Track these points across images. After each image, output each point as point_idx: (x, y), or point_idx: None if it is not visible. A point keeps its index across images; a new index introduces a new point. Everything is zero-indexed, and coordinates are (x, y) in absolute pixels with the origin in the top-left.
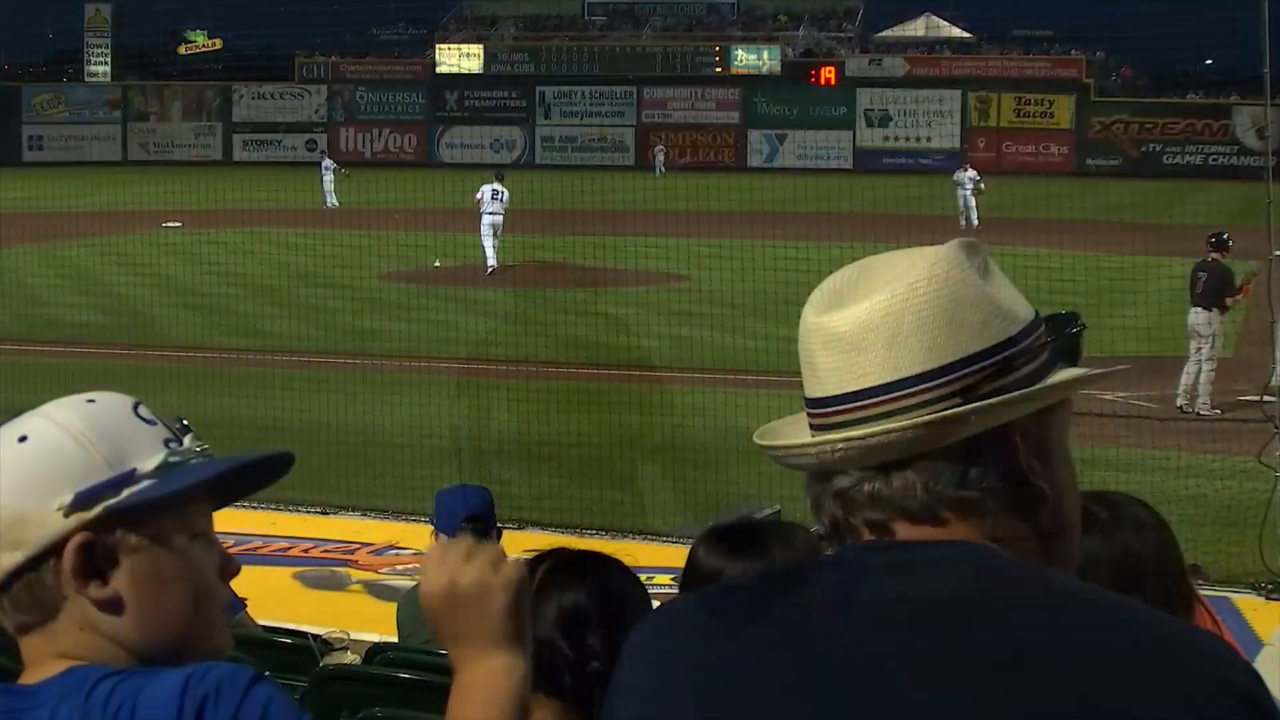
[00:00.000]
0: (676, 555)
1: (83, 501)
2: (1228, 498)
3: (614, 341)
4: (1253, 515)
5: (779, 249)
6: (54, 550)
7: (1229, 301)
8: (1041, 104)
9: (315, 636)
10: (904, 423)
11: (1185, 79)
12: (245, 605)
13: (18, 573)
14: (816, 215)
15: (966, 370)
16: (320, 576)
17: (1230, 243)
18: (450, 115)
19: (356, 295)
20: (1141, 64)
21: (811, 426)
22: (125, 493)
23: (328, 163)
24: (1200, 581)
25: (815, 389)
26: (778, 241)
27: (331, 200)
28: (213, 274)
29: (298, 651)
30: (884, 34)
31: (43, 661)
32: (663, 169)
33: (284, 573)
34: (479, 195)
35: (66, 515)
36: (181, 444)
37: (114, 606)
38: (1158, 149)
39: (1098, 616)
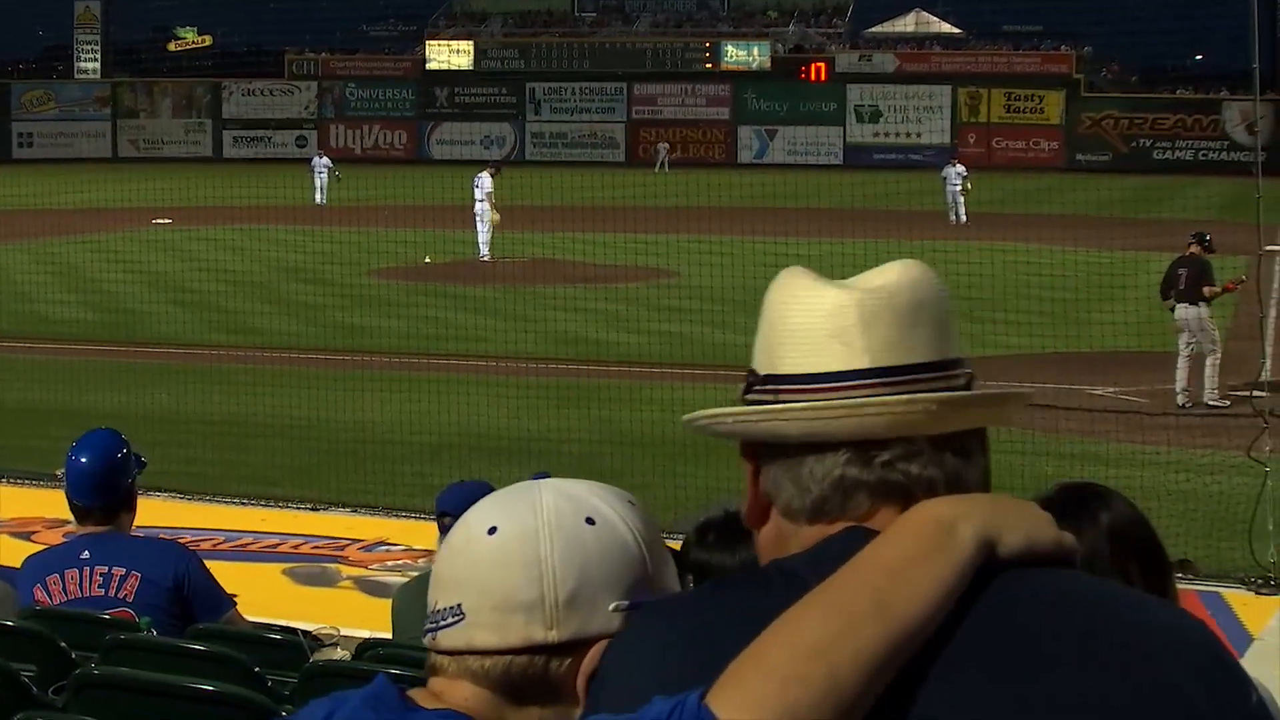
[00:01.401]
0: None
1: (631, 609)
2: (1218, 492)
3: (604, 338)
4: (1242, 510)
5: (769, 245)
6: (580, 644)
7: (1206, 291)
8: (1031, 99)
9: (305, 633)
10: (986, 392)
11: (1175, 74)
12: (235, 602)
13: (535, 650)
14: (807, 211)
15: (966, 369)
16: (310, 573)
17: (1212, 242)
18: (440, 112)
19: (347, 292)
20: (1131, 59)
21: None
22: None
23: (323, 161)
24: (1190, 576)
25: (857, 360)
26: (768, 237)
27: (320, 198)
28: (202, 270)
29: (288, 648)
30: (874, 29)
31: (439, 700)
32: (665, 166)
33: (274, 569)
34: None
35: (617, 620)
36: (679, 580)
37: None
38: (1147, 144)
39: (1092, 601)
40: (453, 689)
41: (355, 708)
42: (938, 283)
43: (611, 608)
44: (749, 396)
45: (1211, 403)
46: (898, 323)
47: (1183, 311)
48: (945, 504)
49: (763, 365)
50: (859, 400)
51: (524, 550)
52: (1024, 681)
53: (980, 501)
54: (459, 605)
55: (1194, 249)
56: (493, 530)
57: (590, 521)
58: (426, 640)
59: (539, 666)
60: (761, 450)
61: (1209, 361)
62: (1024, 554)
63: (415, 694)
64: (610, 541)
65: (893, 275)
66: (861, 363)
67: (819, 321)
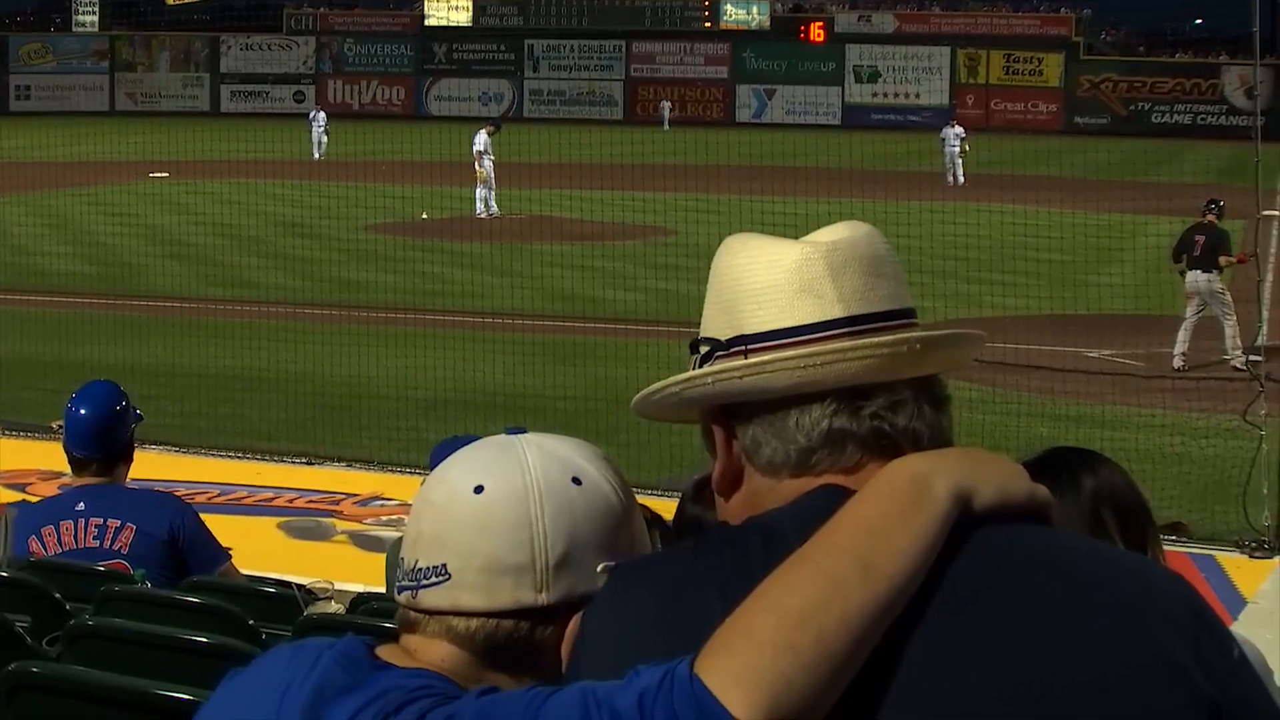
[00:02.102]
0: (662, 508)
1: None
2: (1213, 455)
3: (600, 295)
4: (1237, 473)
5: (765, 204)
6: (568, 607)
7: (1222, 261)
8: (1030, 61)
9: (299, 586)
10: (964, 331)
11: (1174, 38)
12: (230, 555)
13: (522, 613)
14: (804, 170)
15: (914, 319)
16: (305, 527)
17: (1223, 207)
18: (438, 68)
19: (343, 247)
20: (1131, 23)
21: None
22: None
23: (322, 116)
24: (1184, 539)
25: (832, 310)
26: (764, 197)
27: (318, 153)
28: (199, 224)
29: (282, 601)
30: None
31: (412, 658)
32: (668, 123)
33: (269, 523)
34: None
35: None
36: (656, 539)
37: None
38: (1146, 107)
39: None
40: (429, 648)
41: (326, 668)
42: (884, 238)
43: (599, 568)
44: (713, 364)
45: (1238, 365)
46: (864, 272)
47: (1195, 278)
48: (919, 460)
49: (724, 329)
50: (847, 345)
51: (513, 512)
52: (1000, 640)
53: (954, 455)
54: (444, 565)
55: (1210, 217)
56: (479, 489)
57: (576, 481)
58: (403, 598)
59: (524, 631)
60: (738, 411)
61: (1227, 329)
62: (998, 508)
63: (385, 651)
64: (596, 501)
65: (846, 231)
66: (835, 312)
67: (785, 277)
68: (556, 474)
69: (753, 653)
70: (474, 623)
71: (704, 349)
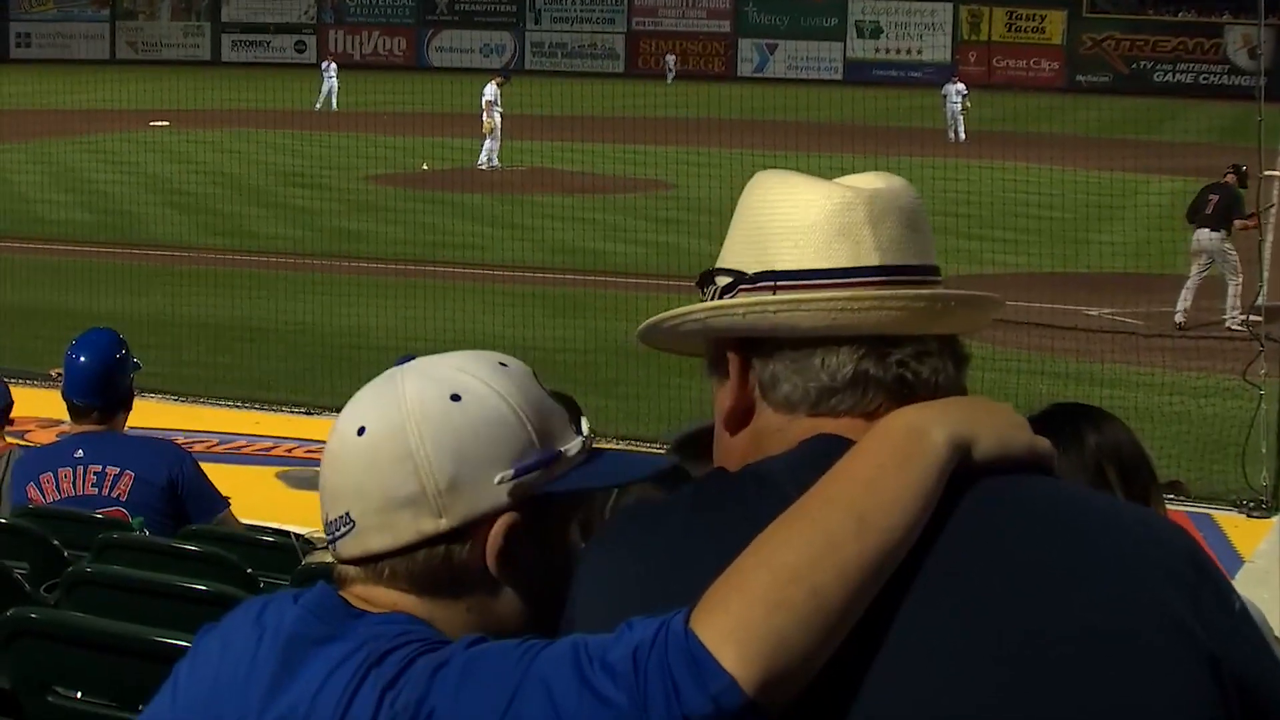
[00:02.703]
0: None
1: (518, 477)
2: (1211, 415)
3: (600, 248)
4: (1235, 433)
5: (766, 158)
6: (475, 525)
7: (1238, 224)
8: (1033, 19)
9: (298, 536)
10: (977, 294)
11: None
12: (229, 503)
13: (430, 542)
14: (805, 125)
15: (939, 276)
16: (303, 476)
17: (1246, 174)
18: (440, 19)
19: (344, 197)
20: None
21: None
22: (556, 475)
23: (332, 68)
24: (1182, 498)
25: (867, 257)
26: (766, 151)
27: (322, 104)
28: (199, 173)
29: (280, 550)
30: None
31: (372, 606)
32: (673, 77)
33: (267, 472)
34: None
35: (507, 491)
36: (581, 427)
37: (510, 595)
38: (1148, 66)
39: (1068, 511)
40: (374, 595)
41: (300, 618)
42: (917, 193)
43: (496, 481)
44: (735, 296)
45: (1234, 327)
46: (901, 224)
47: (1202, 236)
48: (917, 410)
49: (750, 263)
50: (885, 293)
51: (394, 446)
52: (996, 595)
53: (953, 404)
54: (347, 514)
55: (1230, 177)
56: (361, 431)
57: (455, 398)
58: (329, 553)
59: (439, 556)
60: (760, 345)
61: (1230, 288)
62: (997, 459)
63: (354, 598)
64: (481, 414)
65: (884, 181)
66: (872, 259)
67: (824, 219)
68: (433, 396)
69: (747, 610)
70: (392, 562)
71: (724, 280)
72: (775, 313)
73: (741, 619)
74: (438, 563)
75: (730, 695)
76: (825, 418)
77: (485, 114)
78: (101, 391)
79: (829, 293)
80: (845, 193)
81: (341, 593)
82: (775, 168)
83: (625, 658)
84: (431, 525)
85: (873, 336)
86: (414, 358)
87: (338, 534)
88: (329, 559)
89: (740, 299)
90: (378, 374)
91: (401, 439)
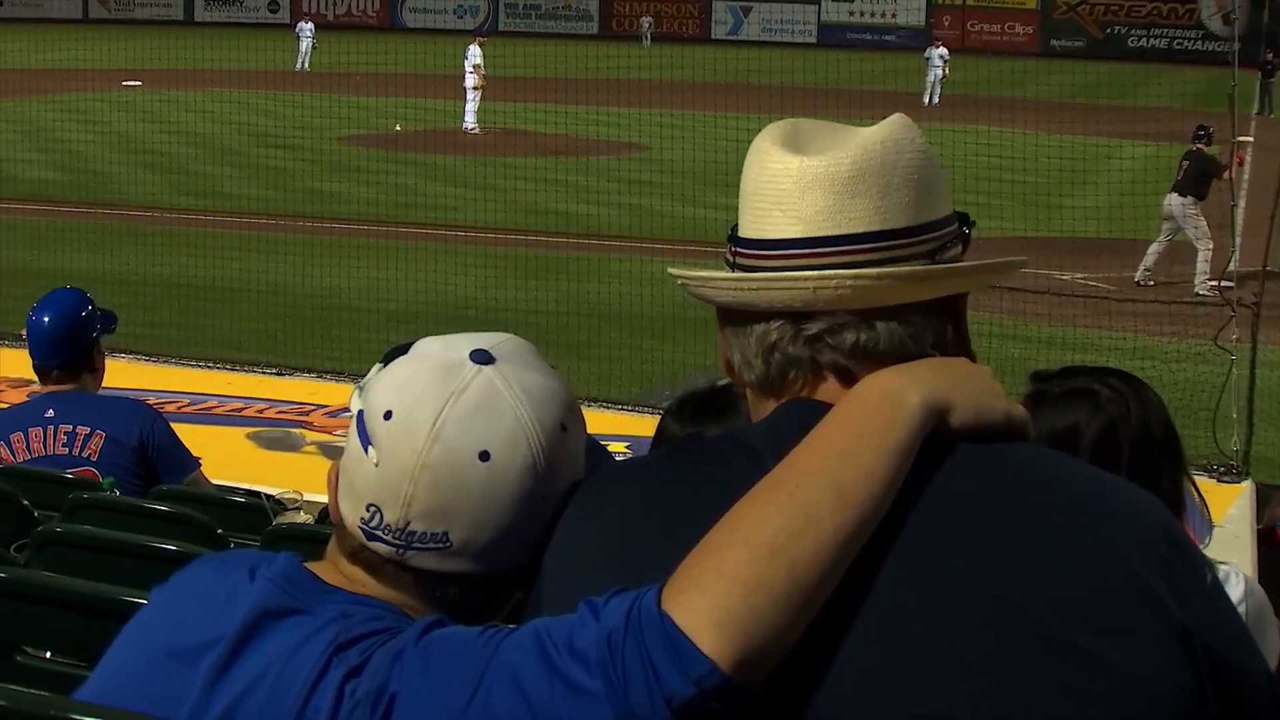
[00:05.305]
0: (632, 423)
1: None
2: (1183, 380)
3: (573, 210)
4: (1207, 398)
5: (740, 121)
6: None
7: (1223, 177)
8: None
9: (269, 496)
10: (904, 269)
11: None
12: (199, 464)
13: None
14: (779, 88)
15: (939, 233)
16: (275, 437)
17: (1212, 134)
18: None
19: (316, 158)
20: None
21: (767, 269)
22: None
23: (308, 28)
24: None
25: (790, 229)
26: (739, 114)
27: (303, 64)
28: (172, 134)
29: (251, 511)
30: None
31: (354, 584)
32: (649, 39)
33: (238, 433)
34: None
35: None
36: None
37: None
38: (1123, 31)
39: (1051, 476)
40: (361, 579)
41: (266, 590)
42: (907, 147)
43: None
44: (727, 255)
45: (1201, 292)
46: (836, 191)
47: (1169, 200)
48: (892, 374)
49: (740, 225)
50: (771, 275)
51: (523, 483)
52: (971, 562)
53: (928, 367)
54: (445, 534)
55: (1198, 145)
56: (485, 456)
57: (564, 429)
58: (379, 547)
59: (498, 586)
60: (723, 313)
61: (1200, 253)
62: (973, 426)
63: (319, 570)
64: (581, 430)
65: (854, 140)
66: (792, 231)
67: (763, 186)
68: (550, 424)
69: (724, 590)
70: (457, 587)
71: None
72: (697, 288)
73: (718, 599)
74: (494, 589)
75: (711, 678)
76: (771, 399)
77: (476, 75)
78: (63, 350)
79: (754, 264)
80: (786, 160)
81: (312, 564)
82: (754, 130)
83: (597, 644)
84: (525, 560)
85: (789, 312)
86: (490, 356)
87: (416, 545)
88: (300, 520)
89: (692, 268)
90: (350, 335)
91: (530, 477)
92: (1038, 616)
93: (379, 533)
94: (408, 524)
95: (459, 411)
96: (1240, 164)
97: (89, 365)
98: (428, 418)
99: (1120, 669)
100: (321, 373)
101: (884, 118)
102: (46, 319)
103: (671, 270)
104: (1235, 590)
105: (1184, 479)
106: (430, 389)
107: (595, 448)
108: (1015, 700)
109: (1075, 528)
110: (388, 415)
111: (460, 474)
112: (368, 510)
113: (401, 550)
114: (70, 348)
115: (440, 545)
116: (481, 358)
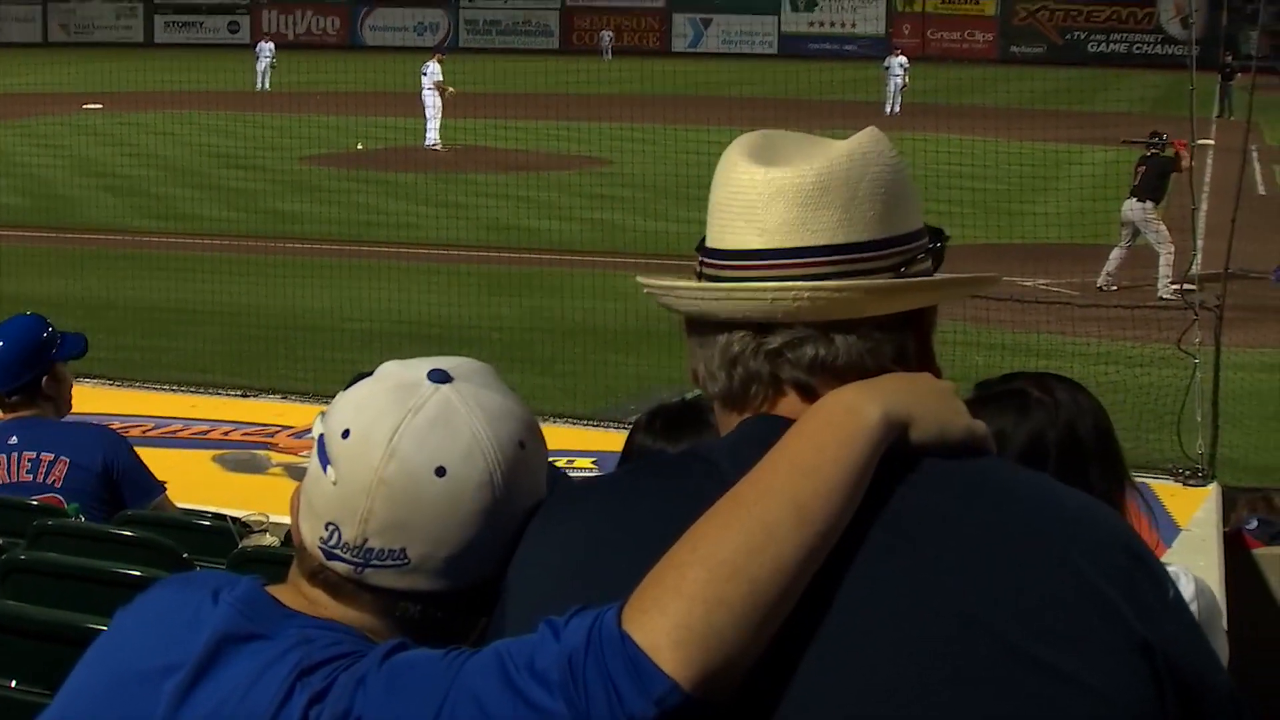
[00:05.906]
0: (598, 438)
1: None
2: (1147, 384)
3: (535, 225)
4: (1171, 402)
5: (702, 134)
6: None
7: (1182, 166)
8: None
9: (234, 519)
10: (864, 283)
11: None
12: (165, 488)
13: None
14: (741, 100)
15: (905, 246)
16: (240, 459)
17: (1166, 139)
18: None
19: (278, 178)
20: None
21: (730, 279)
22: None
23: (268, 48)
24: None
25: (753, 240)
26: (701, 126)
27: (263, 84)
28: (133, 156)
29: (216, 534)
30: None
31: (316, 608)
32: (609, 53)
33: (203, 456)
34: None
35: None
36: None
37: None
38: (1082, 36)
39: (1011, 490)
40: (332, 604)
41: (227, 615)
42: (875, 160)
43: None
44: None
45: (1164, 296)
46: (800, 203)
47: (1128, 206)
48: (853, 389)
49: (707, 235)
50: (733, 285)
51: (481, 497)
52: (932, 577)
53: (890, 381)
54: (403, 550)
55: (1152, 150)
56: (441, 472)
57: (522, 446)
58: (339, 566)
59: (463, 604)
60: (686, 323)
61: (1162, 257)
62: (935, 442)
63: (284, 595)
64: (541, 448)
65: (822, 152)
66: (755, 243)
67: (730, 197)
68: (507, 439)
69: (684, 609)
70: (418, 605)
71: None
72: (659, 296)
73: (679, 619)
74: (460, 609)
75: (672, 697)
76: (734, 413)
77: (440, 94)
78: (17, 377)
79: (719, 274)
80: (753, 172)
81: (274, 588)
82: (716, 143)
83: (559, 664)
84: (494, 574)
85: (750, 323)
86: (447, 375)
87: (374, 563)
88: (266, 542)
89: (660, 277)
90: (315, 356)
91: (488, 491)
92: (1000, 629)
93: (338, 551)
94: (365, 540)
95: (415, 427)
96: (1187, 151)
97: (45, 393)
98: (384, 434)
99: (1078, 680)
100: (286, 394)
101: (846, 127)
102: (1, 345)
103: (640, 278)
104: (1185, 590)
105: (1124, 483)
106: (387, 406)
107: (551, 470)
108: (976, 715)
109: (1034, 541)
110: (345, 434)
111: (416, 489)
112: (326, 529)
113: (360, 568)
114: (25, 373)
115: (398, 562)
116: (439, 377)
